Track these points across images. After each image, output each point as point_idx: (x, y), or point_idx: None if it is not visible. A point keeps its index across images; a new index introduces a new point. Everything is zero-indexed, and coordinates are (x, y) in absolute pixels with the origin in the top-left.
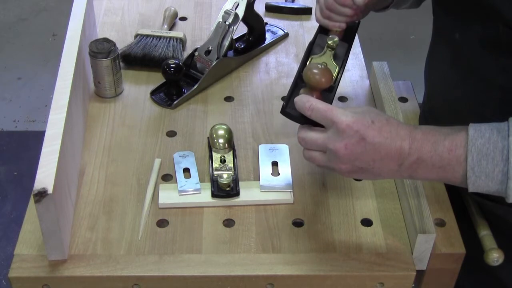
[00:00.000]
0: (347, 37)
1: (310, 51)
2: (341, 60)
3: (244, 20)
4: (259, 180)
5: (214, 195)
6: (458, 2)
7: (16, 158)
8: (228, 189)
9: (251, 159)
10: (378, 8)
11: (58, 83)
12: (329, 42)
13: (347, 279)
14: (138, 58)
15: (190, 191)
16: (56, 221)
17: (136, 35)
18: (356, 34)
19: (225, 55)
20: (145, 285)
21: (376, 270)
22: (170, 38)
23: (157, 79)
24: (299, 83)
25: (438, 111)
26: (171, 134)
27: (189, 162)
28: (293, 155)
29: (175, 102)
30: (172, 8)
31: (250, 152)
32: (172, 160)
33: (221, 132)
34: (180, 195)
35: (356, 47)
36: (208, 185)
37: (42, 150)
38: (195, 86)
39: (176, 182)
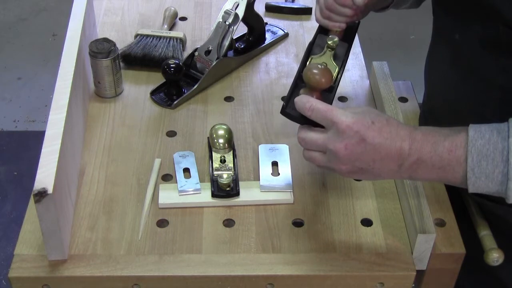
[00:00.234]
0: (347, 37)
1: (310, 51)
2: (341, 60)
3: (244, 20)
4: (259, 180)
5: (214, 195)
6: (458, 2)
7: (16, 158)
8: (228, 189)
9: (251, 159)
10: (378, 8)
11: (58, 83)
12: (329, 42)
13: (347, 279)
14: (138, 58)
15: (190, 191)
16: (56, 221)
17: (136, 35)
18: (356, 34)
19: (225, 55)
20: (145, 285)
21: (376, 270)
22: (170, 38)
23: (157, 79)
24: (299, 83)
25: (438, 111)
26: (171, 134)
27: (189, 162)
28: (293, 155)
29: (175, 102)
30: (172, 8)
31: (250, 152)
32: (172, 160)
33: (221, 132)
34: (180, 195)
35: (356, 47)
36: (208, 185)
37: (42, 150)
38: (195, 86)
39: (176, 182)
